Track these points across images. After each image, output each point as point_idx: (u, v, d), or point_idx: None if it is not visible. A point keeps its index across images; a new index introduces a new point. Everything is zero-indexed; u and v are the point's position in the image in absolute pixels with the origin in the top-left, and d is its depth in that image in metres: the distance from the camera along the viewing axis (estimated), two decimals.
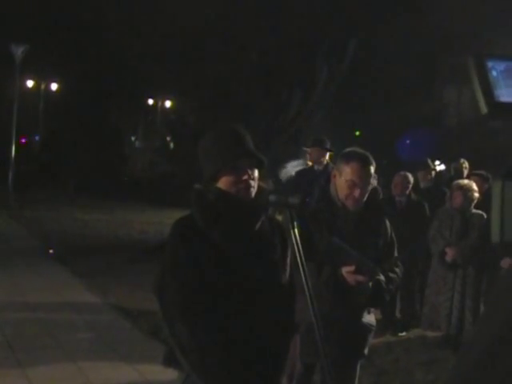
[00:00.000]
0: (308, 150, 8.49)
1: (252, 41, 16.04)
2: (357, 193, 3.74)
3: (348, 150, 3.86)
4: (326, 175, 4.00)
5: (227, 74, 16.21)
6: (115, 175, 33.16)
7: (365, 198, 3.82)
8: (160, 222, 18.90)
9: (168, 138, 35.25)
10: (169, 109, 41.68)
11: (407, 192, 8.19)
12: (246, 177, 2.93)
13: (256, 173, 2.99)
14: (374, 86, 22.91)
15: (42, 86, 39.85)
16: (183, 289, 2.85)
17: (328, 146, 8.10)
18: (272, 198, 2.88)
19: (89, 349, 6.96)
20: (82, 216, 20.92)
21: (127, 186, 30.85)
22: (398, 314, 8.43)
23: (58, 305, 8.92)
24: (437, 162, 19.63)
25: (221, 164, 2.93)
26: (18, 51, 23.78)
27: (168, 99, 41.64)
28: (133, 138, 43.88)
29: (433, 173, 9.22)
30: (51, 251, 13.61)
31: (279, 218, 3.23)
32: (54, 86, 40.76)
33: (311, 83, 14.90)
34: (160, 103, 42.44)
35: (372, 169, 3.78)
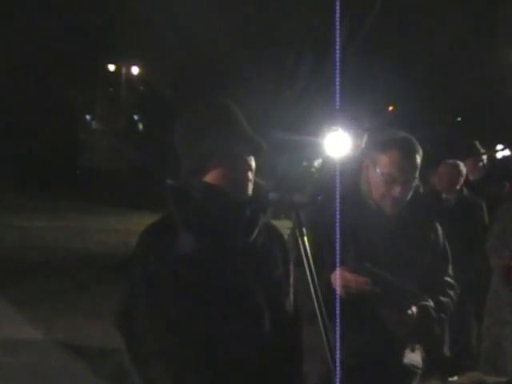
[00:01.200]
0: (339, 129, 8.37)
1: None
2: (396, 191, 3.72)
3: (384, 132, 3.84)
4: (354, 164, 3.95)
5: (215, 29, 16.19)
6: (65, 168, 33.10)
7: (408, 198, 3.80)
8: (126, 229, 18.89)
9: (136, 118, 35.33)
10: (136, 77, 41.67)
11: (458, 187, 8.17)
12: (243, 167, 2.93)
13: (254, 163, 2.99)
14: (412, 44, 22.87)
15: None
16: (164, 318, 2.84)
17: (367, 123, 8.04)
18: (273, 196, 2.87)
19: None
20: (21, 223, 20.88)
21: (81, 182, 30.80)
22: (447, 352, 8.43)
23: None
24: (499, 146, 19.62)
25: (211, 152, 2.92)
26: None
27: (135, 64, 41.64)
28: (88, 118, 43.90)
29: (484, 159, 9.20)
30: None
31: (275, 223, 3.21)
32: None
33: (325, 45, 14.85)
34: (125, 70, 42.45)
35: (418, 158, 3.77)
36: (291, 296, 3.11)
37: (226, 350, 2.89)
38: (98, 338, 8.79)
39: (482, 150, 9.30)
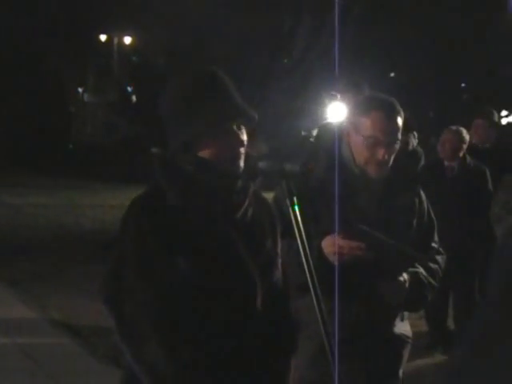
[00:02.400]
0: (338, 95, 8.29)
1: None
2: (380, 154, 3.72)
3: (365, 96, 3.85)
4: (337, 132, 3.96)
5: None
6: (56, 142, 33.02)
7: (391, 161, 3.81)
8: (120, 205, 18.81)
9: (129, 89, 35.22)
10: (129, 47, 41.53)
11: (460, 154, 8.17)
12: (235, 142, 2.95)
13: (245, 135, 3.00)
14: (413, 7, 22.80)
15: None
16: (154, 294, 2.85)
17: (366, 90, 8.01)
18: (263, 165, 2.90)
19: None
20: (12, 199, 20.87)
21: (74, 156, 30.75)
22: (450, 325, 8.46)
23: None
24: (503, 113, 19.61)
25: (202, 126, 2.93)
26: None
27: (128, 34, 41.48)
28: (80, 90, 43.77)
29: (490, 127, 9.19)
30: None
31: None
32: None
33: (325, 5, 14.79)
34: (117, 40, 42.26)
35: (400, 120, 3.78)
36: (279, 266, 3.13)
37: (220, 324, 2.92)
38: (93, 317, 8.78)
39: (495, 114, 9.28)
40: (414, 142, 8.90)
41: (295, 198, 2.82)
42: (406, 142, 8.59)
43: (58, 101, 36.89)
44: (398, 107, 3.80)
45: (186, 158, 2.97)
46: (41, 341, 8.43)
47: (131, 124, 25.54)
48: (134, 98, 29.57)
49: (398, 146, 3.80)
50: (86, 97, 43.74)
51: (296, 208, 2.82)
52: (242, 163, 2.96)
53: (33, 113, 33.81)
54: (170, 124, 3.02)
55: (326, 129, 7.94)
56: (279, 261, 3.14)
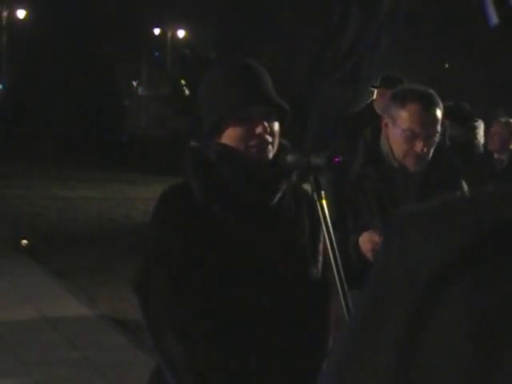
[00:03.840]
0: (375, 90, 8.26)
1: None
2: (419, 147, 3.68)
3: (402, 87, 3.82)
4: (373, 129, 3.93)
5: None
6: (109, 135, 33.27)
7: (430, 154, 3.77)
8: None
9: (183, 83, 35.33)
10: (182, 41, 41.76)
11: (511, 147, 8.10)
12: (260, 130, 2.92)
13: (276, 127, 2.98)
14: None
15: (5, 14, 40.13)
16: (175, 284, 2.87)
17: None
18: (290, 158, 2.88)
19: (70, 375, 7.07)
20: (64, 193, 21.05)
21: (126, 149, 30.95)
22: None
23: (28, 317, 9.04)
24: None
25: (226, 111, 2.93)
26: None
27: (181, 28, 41.73)
28: (134, 84, 44.15)
29: None
30: (24, 242, 13.76)
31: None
32: (20, 14, 40.99)
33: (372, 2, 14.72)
34: (170, 34, 42.55)
35: (439, 112, 3.74)
36: (319, 264, 3.10)
37: (243, 319, 2.90)
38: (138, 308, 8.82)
39: None
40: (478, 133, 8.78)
41: (323, 193, 2.80)
42: (464, 135, 8.55)
43: (112, 94, 37.18)
44: (437, 99, 3.76)
45: (210, 146, 2.97)
46: (88, 333, 8.48)
47: (184, 117, 25.53)
48: (186, 91, 29.59)
49: (437, 138, 3.75)
50: (139, 90, 44.12)
51: (324, 203, 2.79)
52: (269, 152, 2.94)
53: (86, 106, 34.09)
54: (204, 111, 3.04)
55: (359, 121, 7.88)
56: (319, 258, 3.11)
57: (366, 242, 3.51)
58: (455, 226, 0.79)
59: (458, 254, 0.76)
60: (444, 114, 9.13)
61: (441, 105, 3.77)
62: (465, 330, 0.74)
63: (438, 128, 3.74)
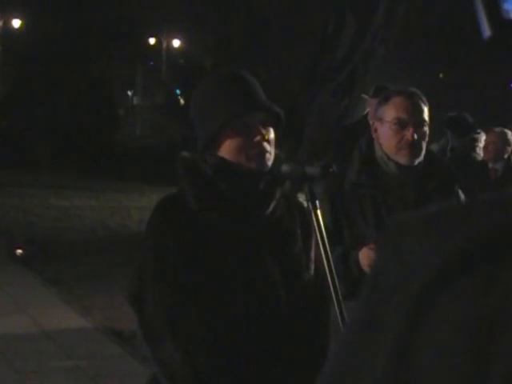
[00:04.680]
0: (367, 98, 8.24)
1: None
2: (409, 134, 3.69)
3: (385, 91, 3.86)
4: (367, 138, 3.95)
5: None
6: (105, 144, 33.27)
7: (423, 146, 3.77)
8: None
9: (178, 92, 35.39)
10: (177, 50, 41.81)
11: (505, 156, 8.12)
12: (258, 138, 2.91)
13: (272, 134, 2.98)
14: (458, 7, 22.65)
15: (0, 23, 40.13)
16: (171, 294, 2.88)
17: None
18: (285, 168, 2.88)
19: None
20: (59, 202, 21.04)
21: (121, 159, 30.95)
22: None
23: (22, 326, 9.03)
24: None
25: (222, 121, 2.92)
26: None
27: (176, 37, 41.78)
28: (129, 93, 44.16)
29: None
30: (19, 251, 13.75)
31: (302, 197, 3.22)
32: (15, 23, 41.01)
33: (369, 7, 14.74)
34: (165, 43, 42.59)
35: (423, 105, 3.76)
36: (312, 270, 3.10)
37: (238, 326, 2.91)
38: (134, 320, 8.81)
39: None
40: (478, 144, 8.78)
41: (317, 202, 2.81)
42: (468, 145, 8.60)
43: (107, 103, 37.19)
44: (419, 94, 3.81)
45: (206, 159, 2.96)
46: (82, 342, 8.47)
47: (179, 126, 25.57)
48: (181, 100, 29.67)
49: (426, 129, 3.77)
50: (134, 99, 44.12)
51: (318, 212, 2.80)
52: (268, 160, 2.94)
53: (82, 115, 34.11)
54: (196, 123, 3.04)
55: (354, 132, 7.88)
56: (311, 265, 3.10)
57: (365, 257, 3.51)
58: (450, 232, 0.80)
59: (454, 259, 0.77)
60: (446, 125, 9.15)
61: (424, 100, 3.80)
62: (459, 332, 0.75)
63: (425, 117, 3.76)
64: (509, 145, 8.11)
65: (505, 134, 8.13)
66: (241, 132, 2.92)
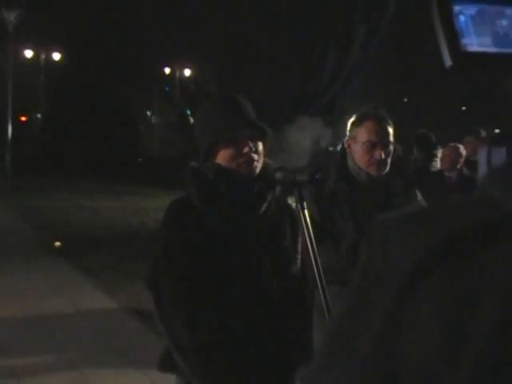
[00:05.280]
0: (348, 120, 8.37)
1: None
2: (378, 154, 3.69)
3: (357, 114, 3.85)
4: (341, 151, 3.96)
5: (252, 31, 16.15)
6: (127, 156, 33.31)
7: (389, 162, 3.77)
8: None
9: (188, 112, 35.40)
10: (188, 78, 41.82)
11: (458, 166, 8.13)
12: (246, 149, 2.93)
13: (260, 146, 3.00)
14: (420, 45, 22.70)
15: (42, 56, 40.11)
16: (181, 281, 2.88)
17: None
18: (278, 175, 2.90)
19: (95, 355, 7.04)
20: (90, 203, 21.08)
21: (141, 167, 30.98)
22: None
23: (60, 306, 9.02)
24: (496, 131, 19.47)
25: (217, 136, 2.95)
26: (11, 17, 23.75)
27: (187, 67, 41.78)
28: (148, 113, 44.14)
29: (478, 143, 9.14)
30: (57, 244, 13.75)
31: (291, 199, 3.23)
32: (55, 56, 41.00)
33: (348, 42, 14.78)
34: (178, 72, 42.56)
35: (389, 128, 3.76)
36: (298, 262, 3.10)
37: (237, 308, 2.91)
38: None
39: (483, 132, 9.29)
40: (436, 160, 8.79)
41: (305, 204, 2.81)
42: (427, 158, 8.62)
43: (130, 122, 37.30)
44: (387, 117, 3.80)
45: (207, 165, 2.99)
46: (109, 320, 8.48)
47: (189, 141, 25.54)
48: (191, 119, 29.65)
49: (391, 148, 3.77)
50: (152, 118, 44.11)
51: (306, 213, 2.81)
52: (255, 167, 2.96)
53: (109, 131, 34.21)
54: (198, 137, 3.07)
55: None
56: (298, 257, 3.11)
57: None
58: (427, 228, 0.80)
59: (432, 252, 0.77)
60: (414, 140, 9.12)
61: (390, 122, 3.80)
62: (437, 316, 0.74)
63: (391, 139, 3.76)
64: (461, 157, 8.15)
65: (458, 148, 8.17)
66: (232, 144, 2.94)
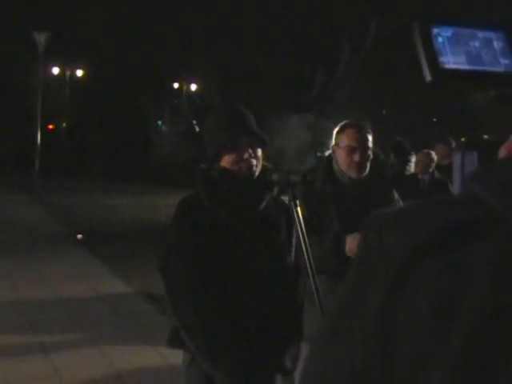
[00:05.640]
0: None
1: (277, 19, 15.98)
2: (357, 157, 3.69)
3: (341, 123, 3.86)
4: (328, 156, 3.97)
5: (252, 54, 16.17)
6: (142, 160, 33.35)
7: (367, 165, 3.77)
8: None
9: (194, 122, 35.36)
10: (194, 92, 41.78)
11: (430, 170, 8.13)
12: (246, 155, 2.94)
13: (259, 152, 3.00)
14: (400, 63, 22.72)
15: (68, 73, 40.11)
16: (188, 267, 2.88)
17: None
18: (274, 176, 2.90)
19: (112, 333, 7.04)
20: (109, 201, 21.08)
21: (154, 170, 30.99)
22: None
23: (82, 290, 9.03)
24: (463, 139, 19.46)
25: (222, 143, 2.96)
26: (41, 38, 24.02)
27: (193, 82, 41.73)
28: (159, 123, 44.06)
29: (448, 150, 9.13)
30: (80, 236, 13.76)
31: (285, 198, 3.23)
32: (79, 73, 40.99)
33: (334, 60, 14.83)
34: (185, 87, 42.48)
35: (369, 136, 3.76)
36: (292, 253, 3.10)
37: (237, 292, 2.91)
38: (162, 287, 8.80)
39: (453, 142, 9.26)
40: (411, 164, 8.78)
41: (298, 202, 2.81)
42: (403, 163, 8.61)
43: (144, 130, 37.32)
44: (367, 127, 3.82)
45: (213, 168, 2.99)
46: (125, 303, 8.47)
47: (195, 147, 25.56)
48: (197, 128, 29.63)
49: (370, 153, 3.77)
50: (163, 127, 44.03)
51: (299, 209, 2.80)
52: (254, 171, 2.97)
53: (125, 139, 34.24)
54: (206, 143, 3.06)
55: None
56: (292, 249, 3.11)
57: (350, 242, 3.49)
58: (418, 223, 0.80)
59: (423, 243, 0.77)
60: (390, 147, 9.11)
61: (370, 131, 3.81)
62: (427, 297, 0.74)
63: (370, 145, 3.76)
64: (433, 162, 8.14)
65: (430, 154, 8.18)
66: (233, 151, 2.95)
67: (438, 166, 8.38)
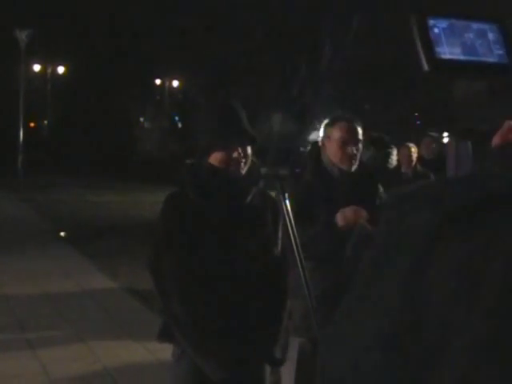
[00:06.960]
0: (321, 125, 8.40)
1: (257, 17, 15.98)
2: (350, 150, 3.70)
3: (330, 118, 3.86)
4: (316, 150, 3.96)
5: (232, 49, 16.16)
6: (125, 156, 33.25)
7: (358, 157, 3.77)
8: None
9: (176, 118, 35.30)
10: (176, 88, 41.68)
11: (413, 164, 8.17)
12: (235, 155, 2.94)
13: (249, 150, 3.00)
14: (381, 60, 22.80)
15: (49, 70, 39.88)
16: (176, 261, 2.88)
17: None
18: (263, 170, 2.91)
19: (99, 329, 7.03)
20: (94, 198, 21.01)
21: (137, 166, 30.90)
22: None
23: (69, 286, 8.99)
24: (445, 134, 19.55)
25: (212, 143, 2.96)
26: (23, 36, 23.95)
27: (175, 79, 41.63)
28: (142, 119, 43.93)
29: (434, 144, 9.21)
30: (62, 234, 13.71)
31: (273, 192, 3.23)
32: (60, 70, 40.74)
33: (316, 58, 14.87)
34: (167, 83, 42.38)
35: (359, 129, 3.77)
36: (278, 245, 3.11)
37: (225, 284, 2.91)
38: (150, 283, 8.78)
39: (435, 136, 9.34)
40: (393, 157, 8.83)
41: (286, 195, 2.82)
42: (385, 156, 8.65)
43: (127, 127, 37.21)
44: (356, 119, 3.81)
45: (202, 165, 2.99)
46: (112, 299, 8.45)
47: (177, 143, 25.57)
48: (179, 124, 29.62)
49: (361, 145, 3.78)
50: (146, 124, 43.92)
51: (287, 202, 2.82)
52: (242, 168, 2.97)
53: (109, 136, 34.14)
54: (195, 139, 3.06)
55: (313, 145, 7.92)
56: (278, 241, 3.11)
57: (351, 210, 3.50)
58: (441, 198, 0.81)
59: (446, 216, 0.78)
60: (371, 141, 9.18)
61: (359, 123, 3.81)
62: (454, 268, 0.75)
63: (360, 137, 3.77)
64: (415, 155, 8.20)
65: (411, 148, 8.23)
66: (223, 149, 2.95)
67: (423, 161, 8.45)
